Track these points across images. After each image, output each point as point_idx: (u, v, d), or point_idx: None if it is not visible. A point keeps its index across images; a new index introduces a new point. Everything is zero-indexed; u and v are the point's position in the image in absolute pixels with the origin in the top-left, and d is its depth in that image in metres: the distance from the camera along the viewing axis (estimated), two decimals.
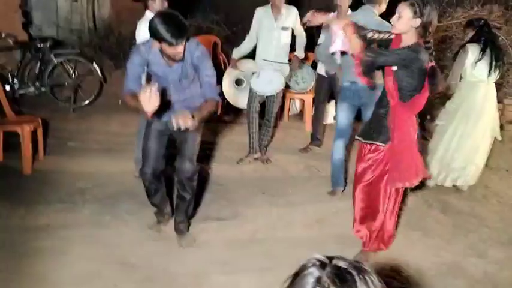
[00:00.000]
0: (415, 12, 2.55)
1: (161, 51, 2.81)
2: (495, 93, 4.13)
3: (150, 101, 2.47)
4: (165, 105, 2.81)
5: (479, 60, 3.93)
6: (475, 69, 3.97)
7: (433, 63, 2.65)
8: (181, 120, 2.56)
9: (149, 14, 3.90)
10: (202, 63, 2.89)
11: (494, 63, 3.94)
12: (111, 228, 3.38)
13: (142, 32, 3.81)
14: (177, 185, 3.22)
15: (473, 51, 3.97)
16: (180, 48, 2.71)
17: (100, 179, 4.15)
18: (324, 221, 3.59)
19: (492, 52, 3.94)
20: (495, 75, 4.01)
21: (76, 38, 7.51)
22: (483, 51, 3.93)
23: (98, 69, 6.32)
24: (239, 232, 3.41)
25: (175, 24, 2.63)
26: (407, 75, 2.61)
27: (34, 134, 4.36)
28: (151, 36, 2.72)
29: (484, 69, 3.96)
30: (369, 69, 2.69)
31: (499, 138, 4.21)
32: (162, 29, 2.61)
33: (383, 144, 2.80)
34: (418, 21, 2.56)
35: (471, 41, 4.03)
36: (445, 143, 4.11)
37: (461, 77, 4.09)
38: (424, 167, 2.91)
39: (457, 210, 3.89)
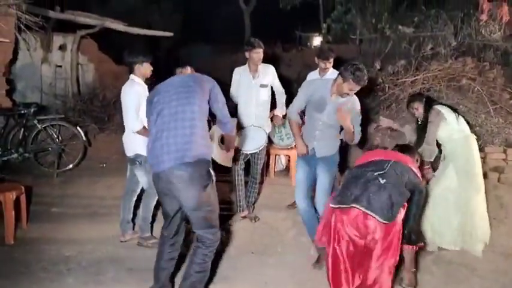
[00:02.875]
0: None
1: None
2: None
3: None
4: None
5: (458, 115, 4.02)
6: (459, 125, 4.01)
7: None
8: None
9: (134, 78, 3.99)
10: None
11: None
12: None
13: (133, 96, 3.87)
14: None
15: (446, 110, 4.03)
16: None
17: (85, 246, 4.05)
18: (316, 280, 3.52)
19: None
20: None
21: (60, 102, 7.59)
22: (453, 109, 4.04)
23: (82, 133, 6.34)
24: None
25: None
26: None
27: (17, 201, 4.27)
28: None
29: (465, 123, 4.04)
30: None
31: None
32: None
33: None
34: None
35: (428, 108, 4.08)
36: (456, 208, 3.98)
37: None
38: None
39: (448, 260, 3.86)
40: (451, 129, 4.02)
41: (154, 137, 2.99)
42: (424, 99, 4.18)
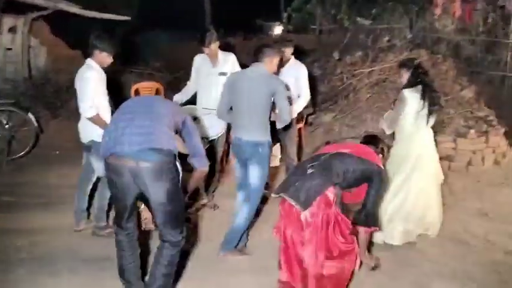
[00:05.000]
0: None
1: None
2: (432, 137, 4.16)
3: None
4: None
5: (421, 109, 3.94)
6: (418, 120, 3.98)
7: None
8: None
9: (91, 63, 3.86)
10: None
11: (432, 109, 3.97)
12: None
13: (88, 81, 3.75)
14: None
15: (411, 99, 3.95)
16: None
17: (38, 236, 3.92)
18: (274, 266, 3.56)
19: (428, 97, 3.95)
20: (432, 121, 4.06)
21: (10, 87, 7.25)
22: (423, 98, 3.93)
23: (33, 119, 6.10)
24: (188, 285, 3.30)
25: None
26: None
27: None
28: None
29: (424, 117, 3.99)
30: None
31: (442, 182, 4.30)
32: None
33: None
34: None
35: (408, 84, 4.00)
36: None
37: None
38: None
39: (397, 245, 3.99)
40: (405, 119, 4.02)
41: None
42: (411, 71, 4.04)
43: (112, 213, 4.18)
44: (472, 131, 6.38)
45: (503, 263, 3.79)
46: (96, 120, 3.77)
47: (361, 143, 3.57)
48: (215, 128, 4.52)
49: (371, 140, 3.59)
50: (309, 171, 3.01)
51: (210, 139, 4.53)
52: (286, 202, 2.97)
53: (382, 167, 3.16)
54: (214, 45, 4.42)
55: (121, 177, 2.79)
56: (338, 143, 4.04)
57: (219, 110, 3.84)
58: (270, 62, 3.64)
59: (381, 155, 3.44)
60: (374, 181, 3.05)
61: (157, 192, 2.76)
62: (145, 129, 2.75)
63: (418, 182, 3.99)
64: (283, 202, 3.03)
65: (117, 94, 4.59)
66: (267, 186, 5.14)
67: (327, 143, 5.26)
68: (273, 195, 3.13)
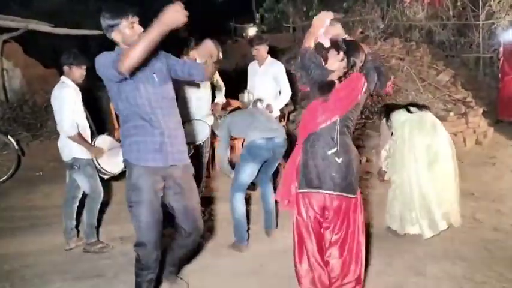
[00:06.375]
0: None
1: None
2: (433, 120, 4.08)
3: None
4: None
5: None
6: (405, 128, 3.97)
7: None
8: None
9: (65, 80, 3.83)
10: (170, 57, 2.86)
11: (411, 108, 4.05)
12: None
13: (64, 99, 3.72)
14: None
15: (397, 118, 4.03)
16: (137, 26, 2.62)
17: (27, 258, 3.86)
18: (269, 267, 3.57)
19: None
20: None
21: None
22: (408, 111, 4.02)
23: (14, 142, 6.03)
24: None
25: (117, 5, 2.59)
26: None
27: None
28: (109, 31, 2.64)
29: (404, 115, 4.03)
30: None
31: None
32: (111, 13, 2.57)
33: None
34: None
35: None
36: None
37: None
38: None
39: (392, 234, 4.03)
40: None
41: None
42: (385, 112, 4.23)
43: (102, 229, 4.16)
44: (452, 113, 6.48)
45: (493, 240, 3.85)
46: (76, 139, 3.74)
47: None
48: (200, 135, 4.51)
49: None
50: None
51: (197, 143, 4.52)
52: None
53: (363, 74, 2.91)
54: (193, 53, 4.41)
55: None
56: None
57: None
58: None
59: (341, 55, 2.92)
60: (370, 74, 2.91)
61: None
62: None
63: (438, 173, 3.92)
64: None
65: (94, 109, 4.56)
66: (253, 186, 5.16)
67: None
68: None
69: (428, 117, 4.06)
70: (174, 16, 2.31)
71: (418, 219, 3.88)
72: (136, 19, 2.61)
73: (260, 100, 4.48)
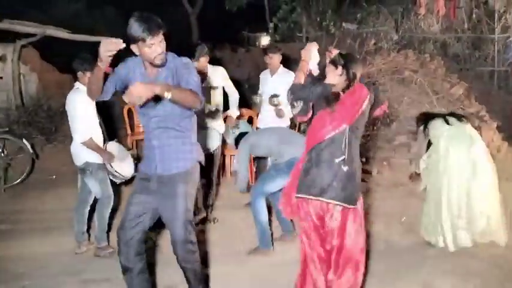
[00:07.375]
0: None
1: (143, 62, 2.70)
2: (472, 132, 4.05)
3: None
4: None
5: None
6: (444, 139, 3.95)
7: None
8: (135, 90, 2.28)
9: (79, 86, 3.89)
10: (188, 69, 2.71)
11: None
12: None
13: (78, 104, 3.77)
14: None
15: (435, 128, 4.01)
16: (156, 47, 2.57)
17: (39, 261, 3.90)
18: (277, 277, 3.57)
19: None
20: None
21: (3, 115, 7.25)
22: (446, 122, 3.98)
23: (28, 145, 6.11)
24: None
25: (147, 19, 2.53)
26: None
27: None
28: (130, 42, 2.59)
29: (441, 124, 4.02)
30: None
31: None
32: (135, 27, 2.52)
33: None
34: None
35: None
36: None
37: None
38: None
39: (399, 249, 4.01)
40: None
41: None
42: (422, 121, 4.23)
43: (113, 234, 4.19)
44: None
45: (504, 256, 3.80)
46: (88, 144, 3.80)
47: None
48: (210, 142, 4.55)
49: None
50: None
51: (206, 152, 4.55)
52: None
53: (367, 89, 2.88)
54: (204, 59, 4.44)
55: None
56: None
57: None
58: None
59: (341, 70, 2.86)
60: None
61: None
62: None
63: (478, 187, 3.87)
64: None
65: (107, 115, 4.62)
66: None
67: None
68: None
69: (467, 129, 4.01)
70: (104, 46, 2.46)
71: (444, 232, 3.84)
72: (157, 39, 2.55)
73: (276, 96, 4.51)
